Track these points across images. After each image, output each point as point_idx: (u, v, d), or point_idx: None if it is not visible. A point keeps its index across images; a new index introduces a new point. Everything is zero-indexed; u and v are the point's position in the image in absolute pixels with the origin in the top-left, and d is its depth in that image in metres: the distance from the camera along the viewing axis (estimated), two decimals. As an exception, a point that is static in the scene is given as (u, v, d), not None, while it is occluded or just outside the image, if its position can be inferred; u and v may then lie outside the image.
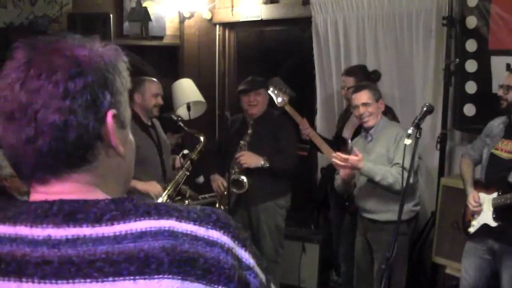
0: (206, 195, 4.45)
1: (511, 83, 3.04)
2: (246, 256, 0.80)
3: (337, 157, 3.25)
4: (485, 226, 3.08)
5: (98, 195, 0.82)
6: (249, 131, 3.75)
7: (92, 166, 0.82)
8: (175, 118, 3.86)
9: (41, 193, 0.81)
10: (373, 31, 4.39)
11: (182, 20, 5.62)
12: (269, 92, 3.89)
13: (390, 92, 4.29)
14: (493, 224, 3.04)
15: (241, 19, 5.45)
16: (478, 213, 3.13)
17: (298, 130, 3.92)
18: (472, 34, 3.77)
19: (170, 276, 0.73)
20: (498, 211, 3.02)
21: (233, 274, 0.76)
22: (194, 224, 0.78)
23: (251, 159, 3.76)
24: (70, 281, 0.73)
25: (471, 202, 3.14)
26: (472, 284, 3.20)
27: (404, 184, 2.82)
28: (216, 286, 0.75)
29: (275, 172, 3.82)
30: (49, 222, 0.76)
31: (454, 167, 4.05)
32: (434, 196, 3.94)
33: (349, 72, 4.09)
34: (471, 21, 3.76)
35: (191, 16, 5.65)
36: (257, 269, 0.81)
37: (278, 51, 5.75)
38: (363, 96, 3.41)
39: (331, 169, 3.90)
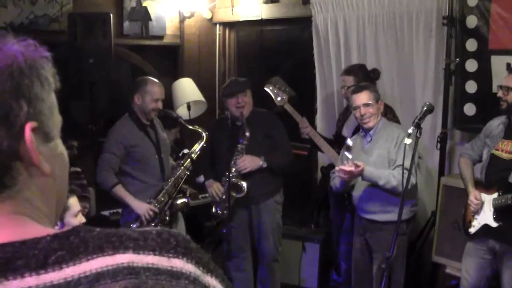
0: (206, 195, 4.45)
1: (510, 84, 3.04)
2: (213, 283, 0.70)
3: (341, 172, 3.26)
4: (485, 227, 3.09)
5: (32, 228, 0.68)
6: (247, 134, 3.66)
7: (13, 191, 0.68)
8: (174, 115, 3.85)
9: None
10: (373, 30, 4.39)
11: (182, 19, 5.63)
12: (269, 91, 3.88)
13: (390, 91, 4.29)
14: (494, 224, 3.04)
15: (241, 19, 5.46)
16: (478, 211, 3.13)
17: (295, 126, 3.91)
18: (472, 34, 3.77)
19: None
20: (499, 211, 3.03)
21: None
22: (154, 255, 0.66)
23: (252, 163, 3.73)
24: None
25: (472, 200, 3.14)
26: (472, 284, 3.20)
27: (405, 185, 2.82)
28: None
29: (274, 169, 3.82)
30: None
31: (454, 167, 4.04)
32: (434, 195, 3.94)
33: (349, 71, 4.10)
34: (471, 21, 3.76)
35: (191, 15, 5.66)
36: None
37: (278, 51, 5.76)
38: (364, 97, 3.41)
39: (331, 169, 3.90)
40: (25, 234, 0.65)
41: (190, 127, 3.83)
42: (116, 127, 3.67)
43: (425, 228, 4.01)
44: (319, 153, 4.66)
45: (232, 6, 5.52)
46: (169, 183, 3.65)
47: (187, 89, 5.08)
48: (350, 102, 3.55)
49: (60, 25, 4.77)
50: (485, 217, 3.09)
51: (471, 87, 3.83)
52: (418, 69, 4.17)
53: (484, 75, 3.74)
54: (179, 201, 3.77)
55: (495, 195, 3.06)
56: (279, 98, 3.85)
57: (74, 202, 2.52)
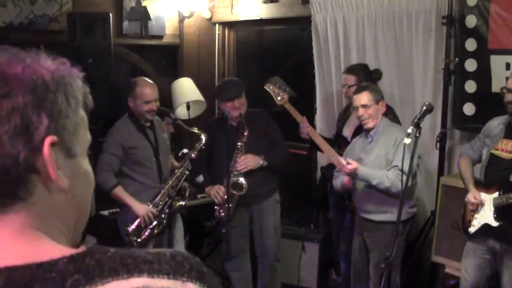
0: (206, 195, 4.43)
1: None
2: None
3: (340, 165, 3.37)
4: (485, 226, 3.09)
5: (46, 246, 0.68)
6: (246, 133, 3.67)
7: (28, 204, 0.69)
8: (173, 117, 3.84)
9: None
10: (372, 30, 4.39)
11: (181, 19, 5.63)
12: (269, 90, 3.88)
13: (390, 91, 4.29)
14: (495, 224, 3.04)
15: (241, 18, 5.45)
16: (478, 210, 3.13)
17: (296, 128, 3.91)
18: (472, 33, 3.77)
19: None
20: (499, 211, 3.03)
21: None
22: (169, 279, 0.67)
23: (252, 162, 3.73)
24: None
25: (470, 198, 3.14)
26: (472, 284, 3.21)
27: (403, 186, 2.83)
28: None
29: (273, 167, 3.82)
30: None
31: (453, 166, 4.04)
32: (433, 195, 3.95)
33: (351, 70, 4.09)
34: (471, 20, 3.76)
35: (191, 15, 5.65)
36: None
37: (277, 51, 5.76)
38: (363, 98, 3.41)
39: (331, 168, 3.90)
40: (40, 254, 0.65)
41: (189, 129, 3.81)
42: (115, 128, 3.66)
43: (425, 227, 4.02)
44: (318, 153, 4.66)
45: (232, 6, 5.51)
46: (168, 185, 3.64)
47: (186, 88, 5.07)
48: (352, 101, 3.56)
49: (59, 25, 4.76)
50: (486, 217, 3.09)
51: (470, 87, 3.83)
52: (417, 69, 4.18)
53: (483, 75, 3.74)
54: (177, 204, 3.77)
55: (496, 194, 3.06)
56: (279, 98, 3.85)
57: None
